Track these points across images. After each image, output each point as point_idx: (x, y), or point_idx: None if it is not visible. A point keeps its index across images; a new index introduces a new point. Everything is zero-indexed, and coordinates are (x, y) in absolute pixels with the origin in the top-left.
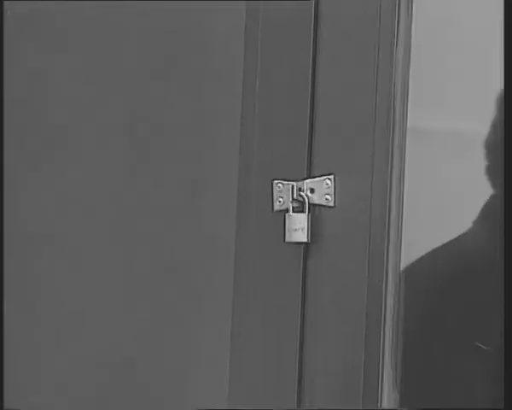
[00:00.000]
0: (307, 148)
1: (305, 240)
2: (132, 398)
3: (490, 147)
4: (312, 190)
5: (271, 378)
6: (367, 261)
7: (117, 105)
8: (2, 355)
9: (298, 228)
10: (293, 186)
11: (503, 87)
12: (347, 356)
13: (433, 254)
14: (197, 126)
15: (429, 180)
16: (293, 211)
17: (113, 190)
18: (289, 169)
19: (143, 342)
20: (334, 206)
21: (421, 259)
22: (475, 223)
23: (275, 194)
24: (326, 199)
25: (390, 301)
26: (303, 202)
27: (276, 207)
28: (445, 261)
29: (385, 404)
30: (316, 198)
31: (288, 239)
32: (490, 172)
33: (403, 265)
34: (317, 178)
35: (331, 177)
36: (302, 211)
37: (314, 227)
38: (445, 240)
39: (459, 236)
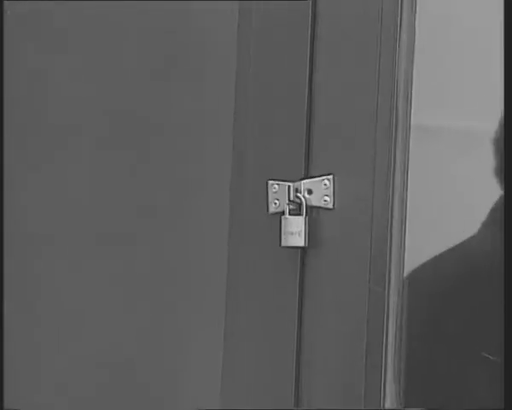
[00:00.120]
0: (305, 146)
1: (302, 244)
2: (130, 398)
3: (499, 146)
4: (310, 191)
5: (268, 381)
6: (368, 267)
7: (117, 105)
8: (2, 355)
9: (294, 232)
10: (289, 187)
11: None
12: (348, 360)
13: (439, 260)
14: (190, 126)
15: (434, 181)
16: (290, 213)
17: (112, 189)
18: (285, 169)
19: (141, 342)
20: (334, 208)
21: (426, 264)
22: (483, 226)
23: (270, 195)
24: (324, 201)
25: (393, 309)
26: (300, 204)
27: (272, 209)
28: (450, 267)
29: (388, 404)
30: (314, 200)
31: (283, 243)
32: (498, 172)
33: (406, 271)
34: (315, 179)
35: (330, 177)
36: (299, 213)
37: (312, 231)
38: (451, 244)
39: (466, 240)
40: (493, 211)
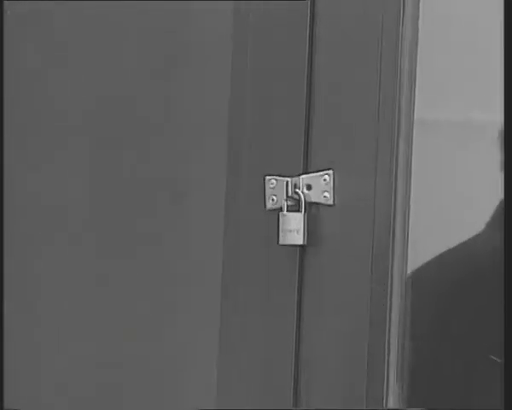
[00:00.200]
0: (303, 140)
1: (300, 242)
2: (130, 398)
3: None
4: (309, 187)
5: (266, 381)
6: (370, 266)
7: (117, 105)
8: (2, 355)
9: (293, 229)
10: (287, 182)
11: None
12: (349, 361)
13: (443, 259)
14: (186, 120)
15: (439, 176)
16: (288, 210)
17: (112, 189)
18: (283, 163)
19: (140, 341)
20: (334, 204)
21: (430, 263)
22: (489, 223)
23: (267, 191)
24: (324, 197)
25: (395, 309)
26: (299, 200)
27: (269, 205)
28: (455, 267)
29: (391, 404)
30: (313, 196)
31: (282, 241)
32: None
33: (409, 270)
34: (314, 174)
35: (330, 172)
36: (298, 210)
37: (311, 228)
38: (456, 242)
39: (471, 237)
40: (499, 209)
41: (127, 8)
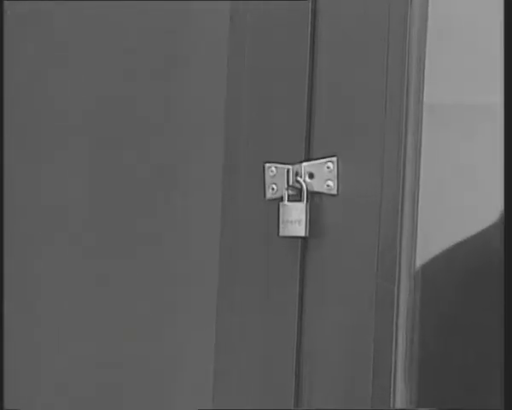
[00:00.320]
0: (305, 125)
1: (302, 234)
2: (130, 398)
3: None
4: (311, 175)
5: (267, 380)
6: (376, 259)
7: (117, 105)
8: (2, 355)
9: (294, 220)
10: (288, 170)
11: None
12: (354, 360)
13: (454, 251)
14: (183, 109)
15: (450, 164)
16: (289, 200)
17: (112, 188)
18: (284, 150)
19: (139, 340)
20: (337, 194)
21: (439, 257)
22: (501, 214)
23: (267, 179)
24: (327, 186)
25: (403, 305)
26: (300, 190)
27: (269, 195)
28: (467, 260)
29: (398, 404)
30: (315, 185)
31: (282, 233)
32: None
33: (418, 264)
34: (316, 161)
35: (334, 159)
36: (299, 200)
37: (313, 219)
38: (468, 234)
39: (484, 229)
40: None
41: (127, 8)
